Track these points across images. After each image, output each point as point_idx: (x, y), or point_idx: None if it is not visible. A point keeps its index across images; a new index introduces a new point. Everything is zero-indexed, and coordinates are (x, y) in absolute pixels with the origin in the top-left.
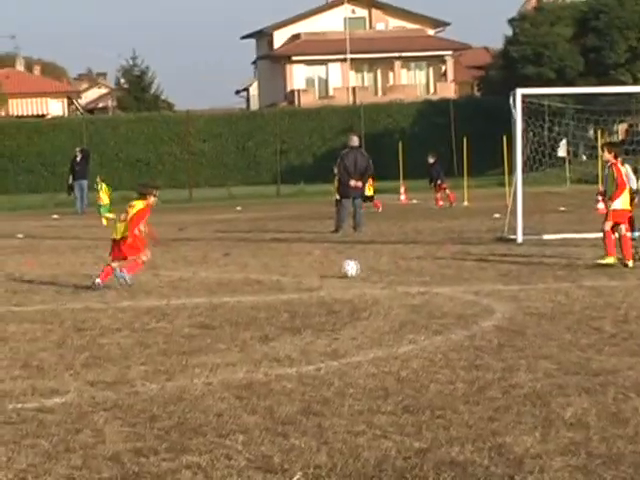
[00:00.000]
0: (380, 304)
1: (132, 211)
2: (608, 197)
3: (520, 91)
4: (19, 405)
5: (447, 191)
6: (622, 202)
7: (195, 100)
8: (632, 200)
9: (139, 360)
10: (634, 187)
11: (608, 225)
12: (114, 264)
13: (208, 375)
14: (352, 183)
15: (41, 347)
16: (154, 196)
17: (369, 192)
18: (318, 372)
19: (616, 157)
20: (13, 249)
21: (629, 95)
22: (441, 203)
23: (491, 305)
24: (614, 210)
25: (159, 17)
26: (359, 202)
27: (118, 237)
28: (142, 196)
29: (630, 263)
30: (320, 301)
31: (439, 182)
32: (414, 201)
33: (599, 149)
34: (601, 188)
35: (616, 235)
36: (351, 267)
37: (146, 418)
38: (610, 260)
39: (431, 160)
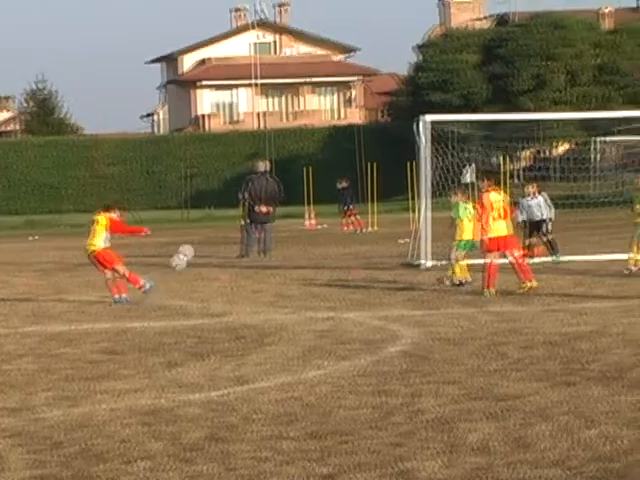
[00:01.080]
0: (287, 329)
1: (97, 226)
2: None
3: (427, 117)
4: None
5: (357, 217)
6: (496, 229)
7: (103, 124)
8: (538, 228)
9: (43, 386)
10: (546, 216)
11: (493, 256)
12: (108, 275)
13: (113, 401)
14: (260, 209)
15: None
16: (115, 212)
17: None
18: (224, 398)
19: (490, 186)
20: None
21: (534, 122)
22: (348, 228)
23: (398, 330)
24: (494, 238)
25: (67, 40)
26: (268, 227)
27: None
28: (106, 211)
29: (529, 283)
30: (227, 326)
31: (349, 207)
32: (321, 226)
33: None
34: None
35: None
36: (180, 260)
37: (50, 445)
38: (533, 284)
39: (341, 185)
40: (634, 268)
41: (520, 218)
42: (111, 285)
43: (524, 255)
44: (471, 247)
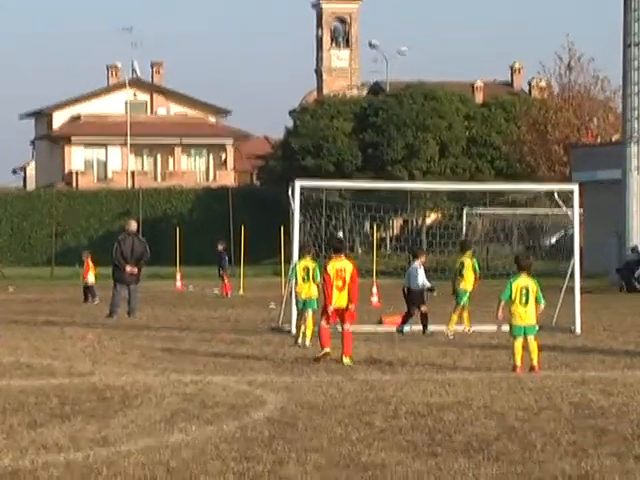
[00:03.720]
0: (152, 391)
1: None
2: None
3: (299, 182)
4: None
5: (226, 280)
6: (338, 300)
7: None
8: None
9: None
10: (419, 284)
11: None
12: None
13: None
14: (128, 269)
15: None
16: None
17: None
18: (87, 460)
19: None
20: None
21: (405, 191)
22: (224, 290)
23: (264, 396)
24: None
25: None
26: (134, 287)
27: None
28: None
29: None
30: (91, 387)
31: (224, 270)
32: (190, 288)
33: (374, 243)
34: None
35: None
36: None
37: None
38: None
39: (220, 247)
40: (451, 335)
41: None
42: None
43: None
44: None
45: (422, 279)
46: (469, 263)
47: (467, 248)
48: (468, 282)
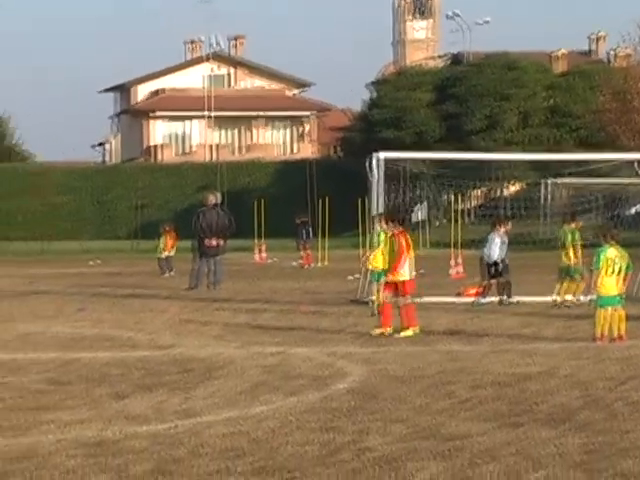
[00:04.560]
0: (235, 363)
1: None
2: (388, 268)
3: (381, 154)
4: None
5: (307, 252)
6: (410, 271)
7: (56, 152)
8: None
9: None
10: (498, 258)
11: (389, 296)
12: None
13: (59, 432)
14: (209, 242)
15: None
16: None
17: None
18: (171, 431)
19: (400, 225)
20: None
21: (486, 162)
22: (305, 262)
23: (346, 367)
24: (408, 280)
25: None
26: (218, 260)
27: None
28: None
29: (410, 332)
30: (174, 359)
31: (303, 242)
32: (271, 260)
33: (453, 213)
34: (367, 254)
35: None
36: None
37: None
38: (388, 330)
39: (299, 220)
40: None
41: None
42: None
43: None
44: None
45: (499, 250)
46: (577, 235)
47: (573, 220)
48: (577, 255)
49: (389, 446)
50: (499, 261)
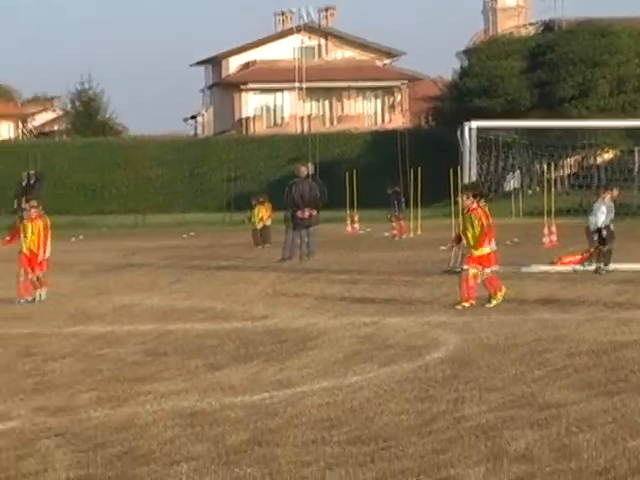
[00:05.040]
0: (329, 333)
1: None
2: (473, 243)
3: (472, 123)
4: None
5: (400, 222)
6: (492, 245)
7: (148, 125)
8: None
9: (87, 386)
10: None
11: (472, 271)
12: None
13: (157, 402)
14: (302, 213)
15: None
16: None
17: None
18: (267, 401)
19: (478, 199)
20: None
21: (579, 129)
22: (397, 233)
23: (440, 336)
24: (485, 254)
25: (114, 41)
26: (312, 231)
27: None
28: None
29: (499, 297)
30: (268, 330)
31: (396, 213)
32: (364, 231)
33: (546, 182)
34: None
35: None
36: None
37: (94, 445)
38: (466, 304)
39: (391, 190)
40: None
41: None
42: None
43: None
44: None
45: (603, 217)
46: None
47: None
48: None
49: (484, 415)
50: (603, 228)
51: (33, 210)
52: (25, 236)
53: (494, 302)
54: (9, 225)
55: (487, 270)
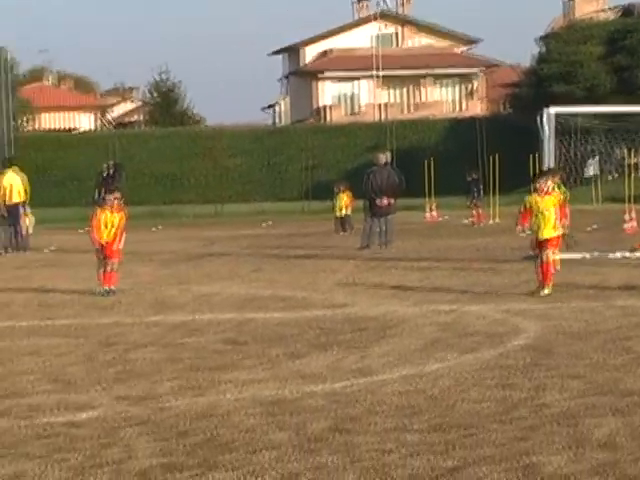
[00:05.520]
0: (409, 321)
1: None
2: (546, 228)
3: (551, 109)
4: (49, 419)
5: (479, 209)
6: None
7: (225, 115)
8: None
9: (169, 375)
10: None
11: (554, 255)
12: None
13: (237, 391)
14: (379, 201)
15: (71, 361)
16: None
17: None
18: (347, 389)
19: (555, 184)
20: (44, 262)
21: None
22: (476, 220)
23: (520, 323)
24: (557, 236)
25: (191, 31)
26: (390, 219)
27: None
28: None
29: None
30: (348, 318)
31: (475, 200)
32: (442, 219)
33: (626, 167)
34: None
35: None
36: None
37: (175, 434)
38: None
39: (471, 177)
40: None
41: None
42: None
43: None
44: None
45: None
46: None
47: None
48: None
49: (566, 402)
50: None
51: (116, 202)
52: (105, 227)
53: (547, 290)
54: (89, 215)
55: (551, 253)
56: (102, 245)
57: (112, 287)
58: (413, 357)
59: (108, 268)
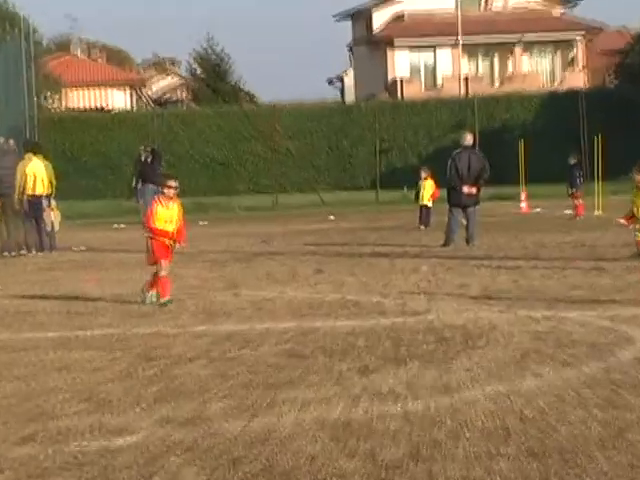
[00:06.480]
0: (498, 330)
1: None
2: None
3: None
4: (82, 445)
5: (579, 200)
6: None
7: (280, 91)
8: None
9: (219, 394)
10: None
11: None
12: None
13: (299, 412)
14: (465, 189)
15: (107, 378)
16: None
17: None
18: (427, 409)
19: None
20: (73, 264)
21: None
22: (578, 211)
23: (630, 332)
24: None
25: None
26: (473, 210)
27: None
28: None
29: None
30: (428, 326)
31: (576, 188)
32: (537, 210)
33: None
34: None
35: None
36: None
37: (228, 461)
38: None
39: (572, 161)
40: None
41: None
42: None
43: None
44: None
45: None
46: None
47: None
48: None
49: None
50: None
51: (172, 191)
52: (162, 220)
53: None
54: (129, 208)
55: None
56: (161, 244)
57: (167, 298)
58: (504, 371)
59: (163, 273)
